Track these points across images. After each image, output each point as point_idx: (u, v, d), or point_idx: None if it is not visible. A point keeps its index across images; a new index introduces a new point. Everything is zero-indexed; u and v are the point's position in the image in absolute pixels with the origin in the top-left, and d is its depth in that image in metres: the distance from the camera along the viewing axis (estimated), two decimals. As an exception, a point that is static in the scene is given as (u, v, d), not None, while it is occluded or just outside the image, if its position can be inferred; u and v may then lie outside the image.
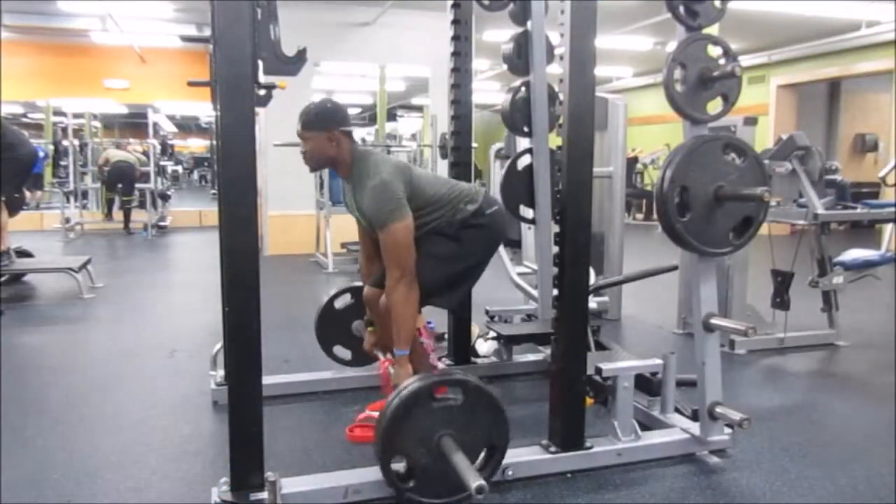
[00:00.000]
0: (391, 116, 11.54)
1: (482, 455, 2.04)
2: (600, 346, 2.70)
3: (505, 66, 3.17)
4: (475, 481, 1.75)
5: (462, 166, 3.16)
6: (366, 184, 2.37)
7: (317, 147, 2.41)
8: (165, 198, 10.41)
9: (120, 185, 9.36)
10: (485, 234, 2.56)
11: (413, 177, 2.45)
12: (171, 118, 15.49)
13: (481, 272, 2.64)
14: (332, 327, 3.08)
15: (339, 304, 3.09)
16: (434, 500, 1.98)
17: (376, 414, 2.58)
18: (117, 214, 9.66)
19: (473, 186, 2.65)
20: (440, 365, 2.91)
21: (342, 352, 3.11)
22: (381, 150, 8.89)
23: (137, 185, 9.50)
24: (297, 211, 7.38)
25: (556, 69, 2.40)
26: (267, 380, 2.01)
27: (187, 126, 19.24)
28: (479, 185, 2.69)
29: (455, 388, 2.01)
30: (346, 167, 2.46)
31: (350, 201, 2.56)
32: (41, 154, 11.06)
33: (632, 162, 11.25)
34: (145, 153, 9.93)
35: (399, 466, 1.98)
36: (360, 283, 3.02)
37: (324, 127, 2.38)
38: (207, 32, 2.83)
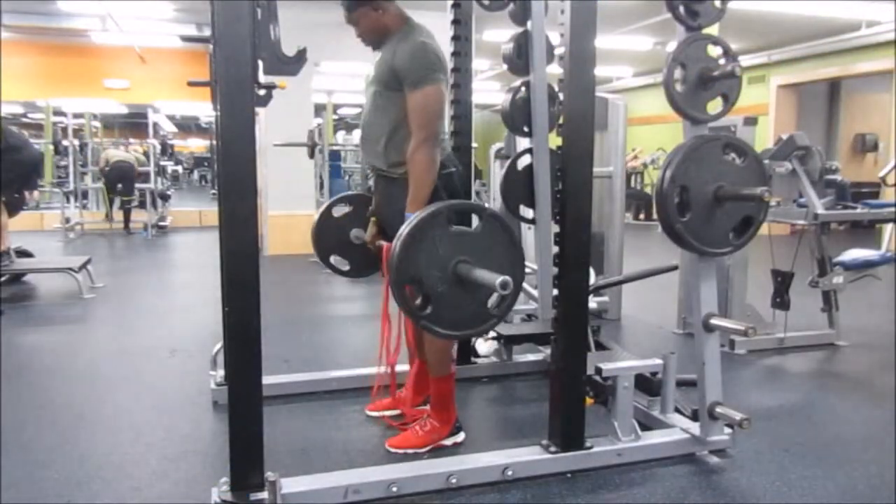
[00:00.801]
0: (391, 116, 11.49)
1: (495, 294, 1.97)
2: (600, 346, 2.70)
3: (505, 66, 3.17)
4: (499, 277, 1.75)
5: (462, 166, 3.15)
6: (412, 40, 2.27)
7: (367, 22, 2.36)
8: (165, 198, 10.41)
9: (120, 185, 9.35)
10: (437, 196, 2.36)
11: (447, 72, 2.36)
12: (171, 118, 15.49)
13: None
14: (330, 236, 2.94)
15: (337, 212, 2.96)
16: (450, 331, 1.97)
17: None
18: (117, 214, 9.65)
19: (446, 140, 2.55)
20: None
21: (340, 262, 2.98)
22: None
23: (137, 186, 9.50)
24: (297, 211, 7.38)
25: (556, 69, 2.40)
26: (267, 380, 2.01)
27: (187, 126, 19.25)
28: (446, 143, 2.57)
29: (473, 215, 1.97)
30: (391, 32, 2.37)
31: (371, 72, 2.44)
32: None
33: (634, 169, 11.29)
34: (145, 153, 9.93)
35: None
36: (357, 192, 2.95)
37: (368, 1, 2.33)
38: (207, 32, 2.83)
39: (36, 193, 11.11)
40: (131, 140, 10.73)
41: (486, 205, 2.00)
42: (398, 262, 1.89)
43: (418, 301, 1.93)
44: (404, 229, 1.91)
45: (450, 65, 3.14)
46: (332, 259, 2.97)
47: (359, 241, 2.88)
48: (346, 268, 2.98)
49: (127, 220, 9.51)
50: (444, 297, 1.92)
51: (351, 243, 2.92)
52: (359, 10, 2.36)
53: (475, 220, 1.98)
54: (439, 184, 2.31)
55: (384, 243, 2.52)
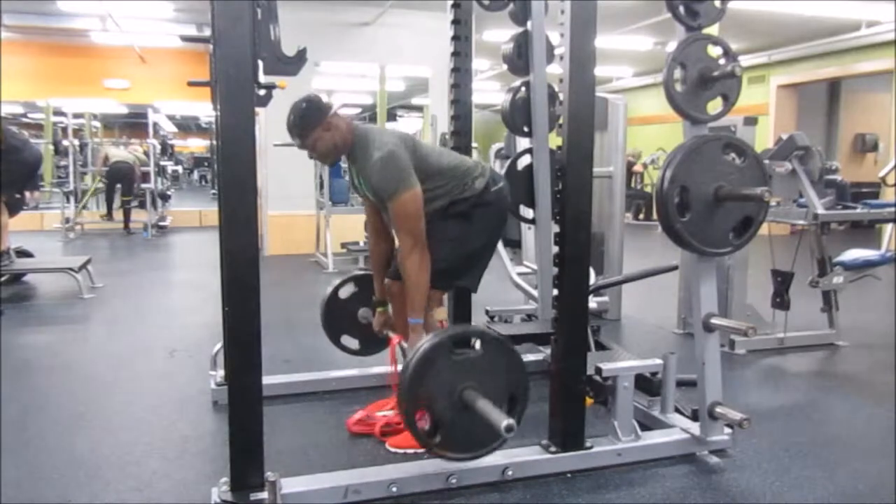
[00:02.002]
0: (391, 116, 11.55)
1: (504, 407, 2.03)
2: (600, 346, 2.70)
3: (505, 66, 3.17)
4: (504, 420, 1.77)
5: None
6: (371, 156, 2.34)
7: (321, 144, 2.42)
8: (165, 198, 10.41)
9: (119, 185, 9.34)
10: (493, 212, 2.55)
11: (417, 146, 2.44)
12: (171, 118, 15.49)
13: (493, 250, 2.64)
14: (339, 317, 3.03)
15: (344, 293, 3.04)
16: (461, 455, 1.99)
17: (378, 414, 2.58)
18: (117, 213, 9.63)
19: (480, 162, 2.64)
20: None
21: (350, 341, 3.06)
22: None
23: (139, 186, 9.48)
24: (297, 211, 7.38)
25: (556, 69, 2.40)
26: (267, 380, 2.01)
27: (187, 126, 19.24)
28: (486, 164, 2.68)
29: (474, 341, 2.01)
30: (350, 147, 2.44)
31: (356, 180, 2.55)
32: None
33: (634, 169, 11.29)
34: (146, 153, 9.91)
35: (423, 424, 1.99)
36: (362, 272, 3.00)
37: (315, 124, 2.38)
38: (207, 32, 2.83)
39: (37, 194, 11.19)
40: (132, 140, 10.69)
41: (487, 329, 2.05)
42: (406, 397, 1.94)
43: (427, 427, 1.98)
44: (410, 361, 1.97)
45: (450, 65, 3.14)
46: (343, 339, 3.07)
47: (366, 320, 2.96)
48: (357, 347, 3.07)
49: (127, 219, 9.50)
50: (453, 423, 1.97)
51: (359, 322, 3.01)
52: (312, 135, 2.41)
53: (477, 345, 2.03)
54: (489, 199, 2.50)
55: (392, 335, 2.67)
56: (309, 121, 2.39)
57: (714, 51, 2.26)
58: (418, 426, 1.97)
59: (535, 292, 3.53)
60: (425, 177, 2.41)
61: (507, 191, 2.61)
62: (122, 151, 9.62)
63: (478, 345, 2.02)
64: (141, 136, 10.95)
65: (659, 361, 2.50)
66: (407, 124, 14.85)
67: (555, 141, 2.45)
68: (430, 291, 2.43)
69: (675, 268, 3.10)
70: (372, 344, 2.99)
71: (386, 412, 2.68)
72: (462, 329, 2.06)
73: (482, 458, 2.03)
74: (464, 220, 2.50)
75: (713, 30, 2.47)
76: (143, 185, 9.44)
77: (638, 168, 11.47)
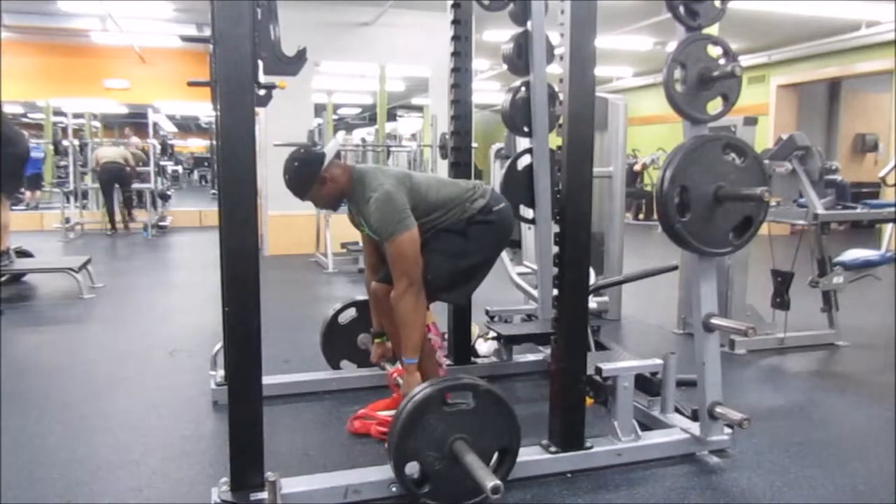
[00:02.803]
0: (391, 116, 11.54)
1: (494, 458, 2.05)
2: (600, 346, 2.70)
3: (505, 66, 3.17)
4: (490, 481, 1.77)
5: (462, 166, 3.16)
6: (369, 198, 2.40)
7: (321, 196, 2.50)
8: (165, 198, 10.40)
9: (117, 186, 9.30)
10: (492, 231, 2.58)
11: (414, 184, 2.48)
12: (171, 118, 15.50)
13: (489, 269, 2.66)
14: (338, 342, 3.11)
15: (343, 318, 3.11)
16: None
17: (378, 414, 2.58)
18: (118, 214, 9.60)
19: (481, 184, 2.66)
20: (447, 361, 2.92)
21: (349, 366, 3.13)
22: (382, 149, 8.94)
23: (134, 186, 9.43)
24: (297, 211, 7.33)
25: (556, 69, 2.40)
26: (267, 380, 2.01)
27: (187, 126, 19.26)
28: (486, 185, 2.69)
29: (465, 393, 2.02)
30: (350, 191, 2.51)
31: (356, 218, 2.60)
32: (40, 154, 11.08)
33: (634, 169, 11.29)
34: (144, 151, 9.89)
35: (412, 471, 2.00)
36: (363, 298, 3.03)
37: (312, 180, 2.44)
38: (207, 32, 2.83)
39: (38, 193, 11.19)
40: (133, 137, 10.66)
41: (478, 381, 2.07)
42: (397, 447, 1.94)
43: (416, 477, 1.98)
44: (401, 411, 1.97)
45: (450, 65, 3.14)
46: (342, 364, 3.12)
47: (364, 346, 2.99)
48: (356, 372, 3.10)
49: (124, 218, 9.48)
50: (442, 474, 1.96)
51: (358, 347, 3.07)
52: (310, 192, 2.48)
53: (469, 397, 2.03)
54: (493, 215, 2.54)
55: (389, 368, 2.70)
56: (304, 179, 2.45)
57: (714, 51, 2.26)
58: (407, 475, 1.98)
59: (535, 292, 3.53)
60: (424, 213, 2.46)
61: (508, 212, 2.63)
62: (111, 151, 9.54)
63: (470, 397, 2.01)
64: (141, 136, 10.88)
65: (659, 361, 2.50)
66: (407, 124, 14.85)
67: (555, 141, 2.45)
68: None
69: (675, 268, 3.10)
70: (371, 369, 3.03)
71: (385, 413, 2.68)
72: (454, 382, 2.07)
73: None
74: (460, 236, 2.53)
75: (713, 30, 2.47)
76: (136, 186, 9.39)
77: (637, 168, 11.47)
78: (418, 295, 2.39)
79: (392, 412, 2.59)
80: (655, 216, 2.41)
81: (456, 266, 2.53)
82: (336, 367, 3.12)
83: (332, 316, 3.10)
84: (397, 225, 2.35)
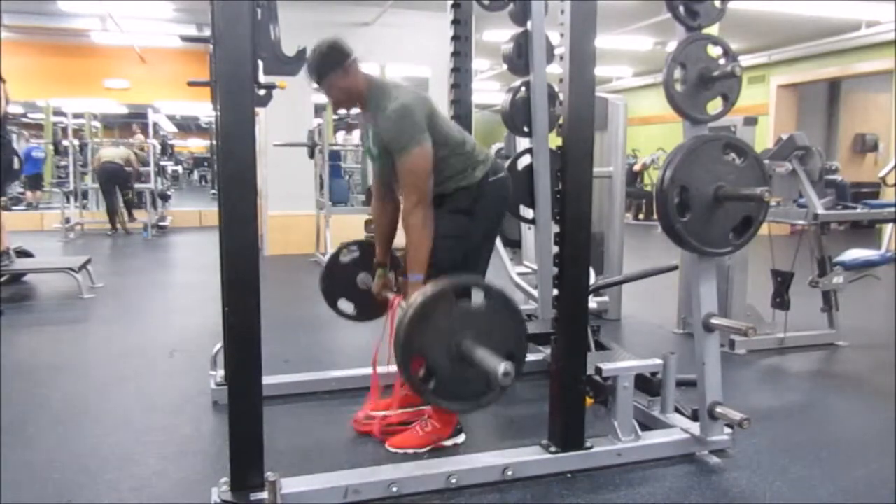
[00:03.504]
0: (391, 116, 11.49)
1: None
2: (600, 346, 2.70)
3: (505, 66, 3.17)
4: (501, 365, 1.77)
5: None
6: (386, 107, 2.30)
7: (337, 87, 2.37)
8: (165, 198, 10.40)
9: (117, 186, 9.29)
10: (494, 203, 2.51)
11: (432, 108, 2.40)
12: (171, 118, 15.48)
13: (493, 242, 2.62)
14: (337, 281, 3.01)
15: (345, 258, 3.01)
16: (453, 404, 1.99)
17: (380, 414, 2.58)
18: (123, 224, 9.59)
19: (484, 149, 2.59)
20: None
21: (346, 305, 3.03)
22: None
23: (135, 186, 9.43)
24: (297, 211, 7.38)
25: (556, 69, 2.40)
26: (267, 380, 2.01)
27: (187, 126, 19.24)
28: (487, 150, 2.64)
29: (478, 293, 2.00)
30: (365, 97, 2.40)
31: (367, 138, 2.50)
32: (41, 154, 11.08)
33: (634, 169, 11.30)
34: (143, 150, 9.88)
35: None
36: (364, 239, 3.00)
37: (333, 67, 2.33)
38: (207, 32, 2.83)
39: (38, 193, 11.19)
40: (131, 140, 10.67)
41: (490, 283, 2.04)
42: (404, 339, 1.92)
43: (422, 374, 1.96)
44: (413, 303, 1.95)
45: (450, 65, 3.14)
46: (340, 303, 3.04)
47: (365, 286, 2.95)
48: (353, 312, 3.04)
49: (124, 217, 9.49)
50: (448, 372, 1.95)
51: (357, 288, 2.99)
52: (329, 78, 2.36)
53: (479, 295, 2.01)
54: (489, 189, 2.44)
55: (391, 295, 2.63)
56: (328, 63, 2.33)
57: (714, 51, 2.26)
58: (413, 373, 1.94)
59: (535, 292, 3.53)
60: (436, 141, 2.36)
61: (507, 181, 2.55)
62: (111, 151, 9.53)
63: (481, 298, 1.99)
64: (131, 135, 10.90)
65: (659, 361, 2.50)
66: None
67: (555, 141, 2.45)
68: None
69: (675, 268, 3.10)
70: (368, 310, 2.96)
71: (386, 412, 2.68)
72: (466, 279, 2.04)
73: (473, 410, 2.02)
74: (463, 216, 2.46)
75: (713, 30, 2.46)
76: (136, 185, 9.38)
77: (637, 168, 11.47)
78: (427, 211, 2.33)
79: (392, 412, 2.60)
80: (655, 216, 2.41)
81: (466, 247, 2.46)
82: (333, 305, 3.03)
83: (333, 254, 3.03)
84: (412, 138, 2.27)
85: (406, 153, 2.27)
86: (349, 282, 3.00)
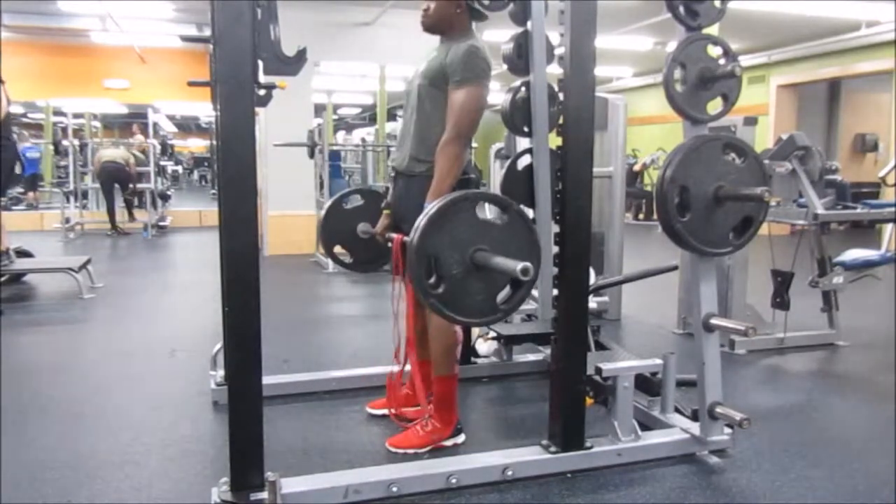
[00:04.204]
0: (391, 116, 11.53)
1: (507, 287, 2.02)
2: (600, 346, 2.70)
3: (505, 66, 3.17)
4: (519, 264, 1.78)
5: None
6: (468, 44, 2.34)
7: (441, 9, 2.40)
8: (165, 198, 10.40)
9: (117, 186, 9.28)
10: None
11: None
12: (171, 118, 15.51)
13: None
14: (338, 226, 2.99)
15: (348, 205, 3.00)
16: (457, 315, 1.98)
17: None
18: (120, 215, 9.59)
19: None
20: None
21: (343, 253, 3.03)
22: (382, 149, 8.94)
23: (135, 186, 9.42)
24: (297, 211, 7.38)
25: (556, 69, 2.40)
26: (267, 380, 2.01)
27: (187, 126, 19.26)
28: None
29: (497, 207, 2.02)
30: (455, 36, 2.42)
31: (427, 63, 2.49)
32: (36, 154, 11.08)
33: (634, 169, 11.29)
34: (143, 151, 9.88)
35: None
36: (369, 187, 2.98)
37: None
38: (207, 32, 2.83)
39: (35, 193, 11.19)
40: (131, 140, 10.67)
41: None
42: (421, 237, 1.90)
43: (432, 280, 1.94)
44: (433, 207, 1.94)
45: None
46: (336, 249, 3.00)
47: (365, 235, 2.91)
48: (350, 260, 3.00)
49: (119, 218, 9.49)
50: (458, 280, 1.94)
51: (357, 237, 2.94)
52: None
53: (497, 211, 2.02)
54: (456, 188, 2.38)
55: (395, 235, 2.55)
56: None
57: (714, 51, 2.26)
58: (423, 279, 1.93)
59: (535, 292, 3.53)
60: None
61: (474, 185, 2.55)
62: (112, 151, 9.52)
63: (498, 212, 2.00)
64: (131, 135, 10.89)
65: (659, 361, 2.50)
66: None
67: (555, 141, 2.45)
68: None
69: (675, 268, 3.10)
70: (366, 261, 2.96)
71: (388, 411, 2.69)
72: (485, 194, 2.07)
73: (476, 325, 2.06)
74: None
75: (713, 30, 2.47)
76: (136, 186, 9.37)
77: (637, 168, 11.47)
78: (464, 147, 2.36)
79: (390, 410, 2.60)
80: (655, 216, 2.41)
81: None
82: (329, 251, 3.02)
83: (337, 198, 3.01)
84: (475, 76, 2.31)
85: (465, 87, 2.31)
86: (350, 228, 2.96)
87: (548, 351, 2.93)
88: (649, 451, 2.36)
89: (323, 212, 3.00)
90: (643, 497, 2.13)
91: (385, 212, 2.72)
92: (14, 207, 10.49)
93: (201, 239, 9.05)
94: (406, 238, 2.42)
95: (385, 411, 2.71)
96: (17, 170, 5.65)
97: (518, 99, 3.13)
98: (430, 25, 2.46)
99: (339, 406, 2.88)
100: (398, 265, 2.44)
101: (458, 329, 2.71)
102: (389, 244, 2.56)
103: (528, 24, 3.07)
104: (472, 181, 2.51)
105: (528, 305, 3.81)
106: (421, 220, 1.93)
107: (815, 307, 3.96)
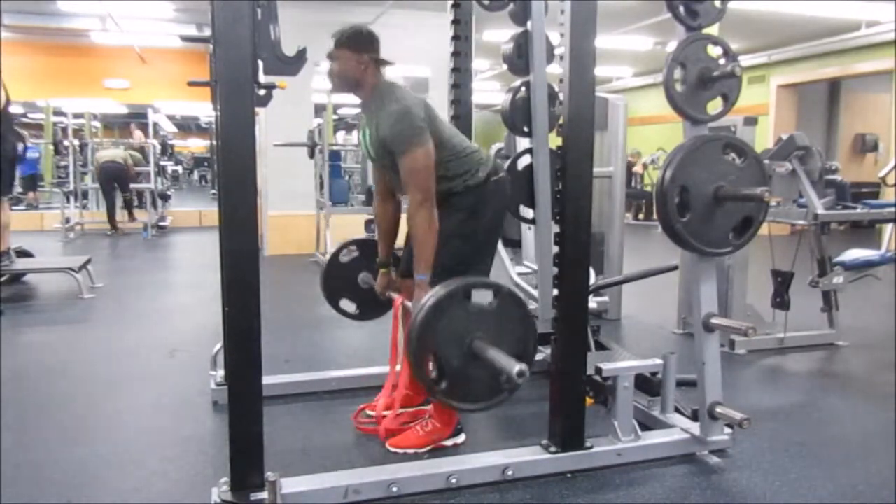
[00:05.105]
0: (391, 116, 11.50)
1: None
2: (600, 346, 2.70)
3: (505, 66, 3.17)
4: (516, 366, 1.78)
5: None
6: (388, 108, 2.32)
7: (345, 68, 2.38)
8: (165, 198, 10.40)
9: (116, 185, 9.27)
10: (497, 202, 2.52)
11: (432, 113, 2.41)
12: (171, 118, 15.49)
13: (496, 242, 2.63)
14: (338, 280, 3.02)
15: (345, 257, 3.02)
16: (465, 404, 2.00)
17: (383, 414, 2.57)
18: (121, 215, 9.59)
19: (484, 151, 2.61)
20: None
21: (348, 305, 3.05)
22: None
23: (134, 186, 9.41)
24: (297, 211, 7.38)
25: (556, 69, 2.40)
26: (267, 380, 2.01)
27: (187, 126, 19.25)
28: (486, 151, 2.65)
29: (487, 292, 2.01)
30: (367, 92, 2.42)
31: (365, 136, 2.51)
32: (36, 154, 11.07)
33: (634, 169, 11.30)
34: (142, 150, 9.87)
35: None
36: (364, 237, 2.99)
37: (356, 49, 2.36)
38: (207, 32, 2.83)
39: (34, 193, 11.18)
40: (131, 140, 10.66)
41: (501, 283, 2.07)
42: (417, 340, 1.92)
43: (434, 374, 1.96)
44: (424, 305, 1.95)
45: (450, 65, 3.14)
46: (342, 303, 3.04)
47: (366, 285, 2.95)
48: (355, 311, 3.05)
49: (123, 217, 9.49)
50: (460, 372, 1.95)
51: (359, 287, 2.99)
52: (345, 52, 2.38)
53: (490, 296, 2.02)
54: (491, 189, 2.45)
55: (395, 296, 2.62)
56: (353, 42, 2.38)
57: (714, 51, 2.26)
58: (426, 374, 1.95)
59: (535, 292, 3.53)
60: (435, 143, 2.36)
61: (507, 181, 2.57)
62: (111, 151, 9.50)
63: (490, 298, 2.00)
64: (131, 135, 10.88)
65: (659, 361, 2.50)
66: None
67: (555, 141, 2.45)
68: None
69: (675, 268, 3.10)
70: (370, 309, 2.98)
71: (386, 412, 2.68)
72: (476, 280, 2.06)
73: (485, 410, 2.05)
74: (469, 215, 2.46)
75: (713, 30, 2.47)
76: (135, 186, 9.36)
77: (638, 168, 11.48)
78: (432, 210, 2.32)
79: (394, 412, 2.60)
80: (655, 216, 2.41)
81: (473, 245, 2.47)
82: (335, 306, 3.04)
83: (333, 254, 3.03)
84: (412, 138, 2.28)
85: (408, 153, 2.27)
86: (350, 281, 3.00)
87: (548, 351, 2.93)
88: (649, 451, 2.36)
89: (322, 268, 3.05)
90: (643, 497, 2.13)
91: (382, 270, 2.76)
92: (14, 207, 10.47)
93: (201, 239, 9.04)
94: (404, 303, 2.50)
95: (384, 412, 2.71)
96: (20, 149, 5.64)
97: (518, 99, 3.14)
98: (339, 86, 2.46)
99: (340, 406, 2.88)
100: (400, 323, 2.52)
101: None
102: (391, 301, 2.65)
103: (528, 24, 3.08)
104: (504, 180, 2.55)
105: (529, 305, 3.82)
106: (416, 319, 1.94)
107: (815, 307, 3.96)
